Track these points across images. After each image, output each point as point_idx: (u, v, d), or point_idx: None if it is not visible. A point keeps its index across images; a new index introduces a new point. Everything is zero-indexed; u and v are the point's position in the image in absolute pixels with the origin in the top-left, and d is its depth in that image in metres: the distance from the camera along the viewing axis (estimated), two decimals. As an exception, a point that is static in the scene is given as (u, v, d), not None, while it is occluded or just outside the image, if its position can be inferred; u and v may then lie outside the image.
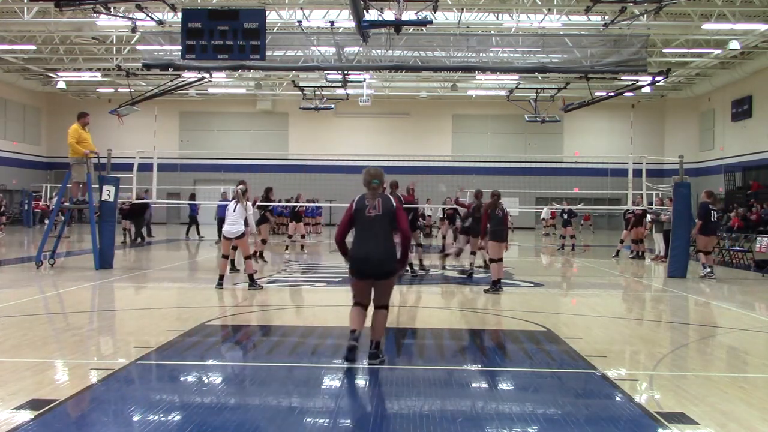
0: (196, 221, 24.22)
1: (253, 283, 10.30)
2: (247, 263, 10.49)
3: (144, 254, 17.58)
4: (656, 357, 6.10)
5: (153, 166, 15.19)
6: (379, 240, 5.46)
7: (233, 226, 10.34)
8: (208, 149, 37.32)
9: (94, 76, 32.78)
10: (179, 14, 13.15)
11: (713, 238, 13.74)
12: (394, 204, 5.58)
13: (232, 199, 10.71)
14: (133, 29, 18.82)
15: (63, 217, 16.45)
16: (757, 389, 5.06)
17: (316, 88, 28.89)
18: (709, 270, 12.62)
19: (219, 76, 29.98)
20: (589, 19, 20.66)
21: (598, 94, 27.04)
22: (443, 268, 13.66)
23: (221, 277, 10.36)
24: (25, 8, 22.62)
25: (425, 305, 8.69)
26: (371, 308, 5.62)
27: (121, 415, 4.29)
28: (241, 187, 10.75)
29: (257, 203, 13.69)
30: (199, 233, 24.10)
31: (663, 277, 13.02)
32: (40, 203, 31.27)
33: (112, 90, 35.77)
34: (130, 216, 20.55)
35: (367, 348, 5.52)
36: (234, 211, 10.39)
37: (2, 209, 28.95)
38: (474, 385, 5.26)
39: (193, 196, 25.83)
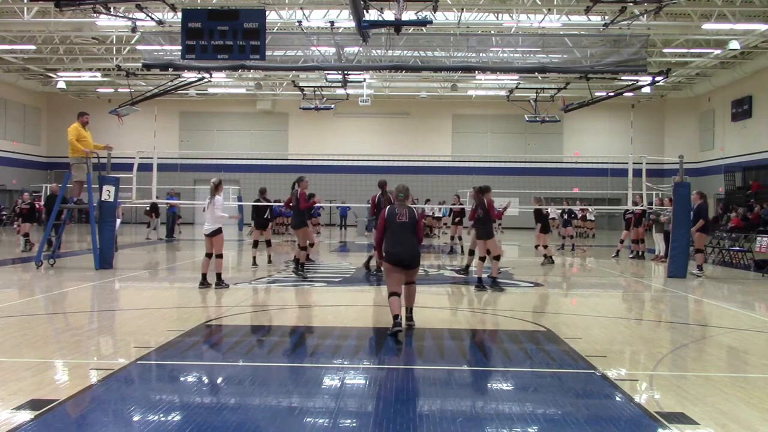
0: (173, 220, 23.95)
1: (219, 282, 10.27)
2: (217, 262, 10.32)
3: (144, 255, 17.57)
4: (656, 357, 6.10)
5: (153, 166, 15.21)
6: (408, 239, 6.95)
7: (208, 223, 10.32)
8: (208, 149, 37.33)
9: (94, 76, 32.77)
10: (179, 14, 13.15)
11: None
12: (417, 214, 7.09)
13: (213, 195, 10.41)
14: (133, 29, 18.83)
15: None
16: (757, 389, 5.06)
17: (316, 88, 28.88)
18: (701, 271, 13.21)
19: (219, 76, 29.99)
20: (589, 19, 20.67)
21: (598, 94, 27.02)
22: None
23: (204, 276, 10.34)
24: (25, 8, 22.62)
25: (425, 305, 8.68)
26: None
27: (121, 415, 4.29)
28: (214, 180, 10.62)
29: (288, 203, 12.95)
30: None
31: (663, 277, 13.02)
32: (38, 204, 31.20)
33: (112, 90, 35.76)
34: (30, 218, 17.95)
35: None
36: (206, 209, 10.33)
37: (17, 210, 29.25)
38: (474, 385, 5.26)
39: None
